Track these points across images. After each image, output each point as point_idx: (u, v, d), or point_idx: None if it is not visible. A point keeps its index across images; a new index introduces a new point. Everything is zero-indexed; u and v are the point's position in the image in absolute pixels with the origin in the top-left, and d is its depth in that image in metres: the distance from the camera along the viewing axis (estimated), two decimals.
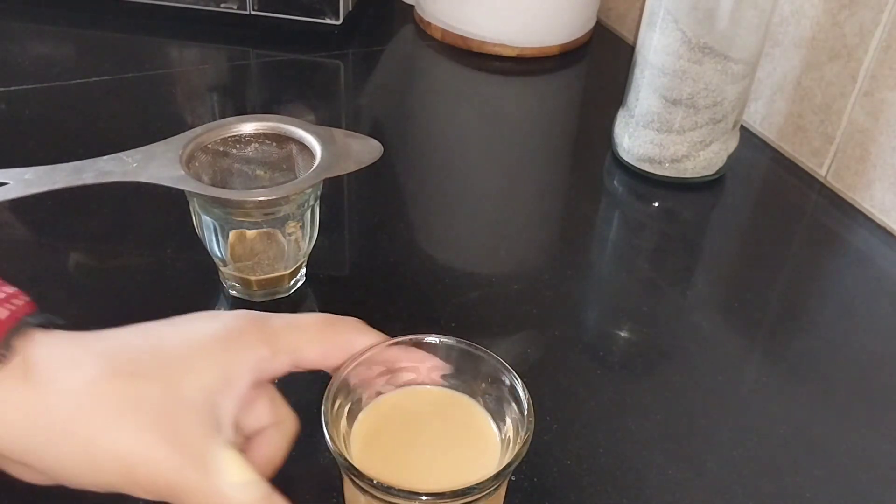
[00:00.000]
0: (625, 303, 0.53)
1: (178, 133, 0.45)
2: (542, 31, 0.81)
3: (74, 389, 0.27)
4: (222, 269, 0.48)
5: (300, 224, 0.46)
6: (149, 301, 0.48)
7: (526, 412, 0.32)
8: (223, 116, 0.48)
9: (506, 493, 0.35)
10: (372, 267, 0.54)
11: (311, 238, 0.48)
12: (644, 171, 0.63)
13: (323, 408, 0.31)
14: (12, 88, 0.69)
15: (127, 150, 0.44)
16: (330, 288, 0.51)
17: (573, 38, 0.84)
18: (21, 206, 0.56)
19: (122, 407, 0.28)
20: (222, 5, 0.80)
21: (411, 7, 0.89)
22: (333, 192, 0.61)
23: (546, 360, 0.47)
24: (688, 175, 0.63)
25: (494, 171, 0.66)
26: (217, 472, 0.28)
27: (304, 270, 0.50)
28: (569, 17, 0.82)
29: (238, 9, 0.80)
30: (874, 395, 0.47)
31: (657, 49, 0.59)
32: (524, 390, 0.33)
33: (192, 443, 0.28)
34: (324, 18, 0.80)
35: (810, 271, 0.57)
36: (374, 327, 0.35)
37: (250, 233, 0.47)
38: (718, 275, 0.57)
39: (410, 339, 0.34)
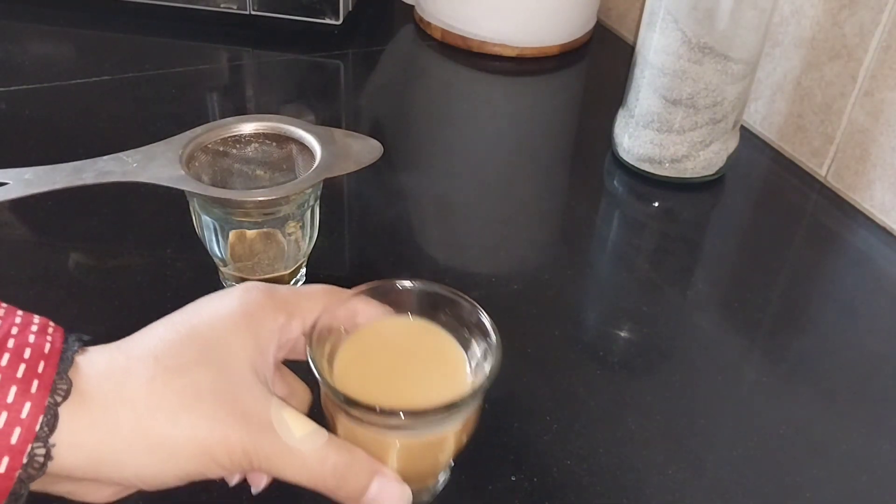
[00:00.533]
0: (625, 303, 0.53)
1: (178, 133, 0.45)
2: (542, 31, 0.81)
3: (135, 397, 0.29)
4: (222, 269, 0.48)
5: (300, 224, 0.46)
6: (149, 301, 0.48)
7: (494, 340, 0.34)
8: (223, 116, 0.48)
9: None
10: (372, 267, 0.54)
11: (311, 238, 0.48)
12: (644, 171, 0.63)
13: (308, 352, 0.33)
14: (12, 88, 0.69)
15: (127, 150, 0.44)
16: None
17: (573, 38, 0.84)
18: (21, 206, 0.56)
19: (184, 399, 0.29)
20: (222, 5, 0.80)
21: (411, 7, 0.89)
22: (333, 192, 0.61)
23: (546, 360, 0.47)
24: (688, 175, 0.63)
25: (494, 171, 0.66)
26: (284, 430, 0.30)
27: (304, 270, 0.50)
28: (569, 17, 0.82)
29: (238, 9, 0.80)
30: (874, 395, 0.47)
31: (657, 49, 0.59)
32: (490, 322, 0.35)
33: (256, 412, 0.30)
34: (324, 18, 0.80)
35: (810, 271, 0.57)
36: None
37: (250, 233, 0.47)
38: (718, 275, 0.57)
39: (377, 287, 0.36)
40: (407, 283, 0.37)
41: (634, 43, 0.63)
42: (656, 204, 0.63)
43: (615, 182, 0.65)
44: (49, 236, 0.54)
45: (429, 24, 0.85)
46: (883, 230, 0.60)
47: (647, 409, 0.44)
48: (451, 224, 0.60)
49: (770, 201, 0.65)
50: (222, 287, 0.49)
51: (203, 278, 0.50)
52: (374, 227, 0.58)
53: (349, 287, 0.36)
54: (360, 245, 0.56)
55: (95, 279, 0.51)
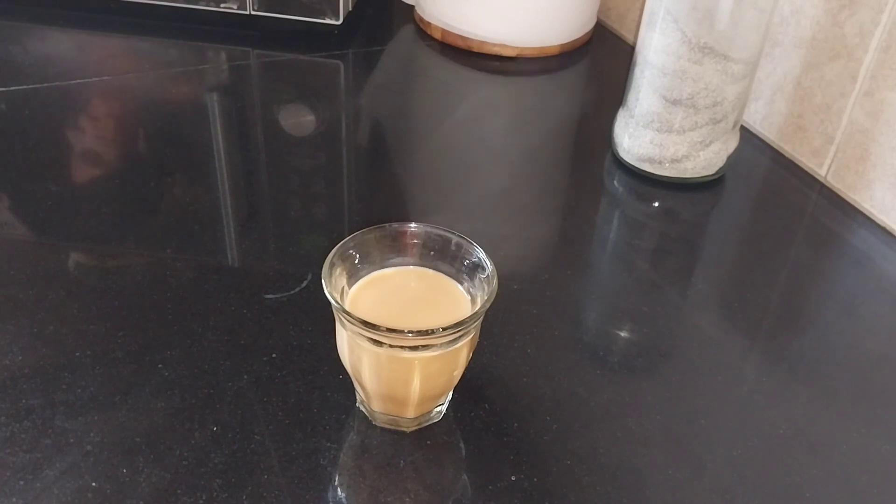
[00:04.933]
0: (625, 303, 0.53)
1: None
2: (542, 31, 0.81)
3: None
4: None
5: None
6: (149, 301, 0.48)
7: (490, 271, 0.40)
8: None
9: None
10: None
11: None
12: (644, 171, 0.63)
13: (326, 288, 0.37)
14: (12, 88, 0.69)
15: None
16: None
17: (573, 38, 0.84)
18: (21, 206, 0.56)
19: None
20: (222, 5, 0.80)
21: (411, 7, 0.89)
22: (334, 192, 0.61)
23: (546, 360, 0.47)
24: (688, 175, 0.63)
25: (494, 171, 0.66)
26: None
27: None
28: (569, 17, 0.82)
29: (238, 9, 0.80)
30: (874, 395, 0.47)
31: (657, 49, 0.59)
32: (487, 259, 0.40)
33: None
34: (324, 18, 0.80)
35: (810, 271, 0.57)
36: None
37: None
38: (718, 275, 0.57)
39: (378, 229, 0.42)
40: (409, 226, 0.42)
41: (634, 43, 0.63)
42: (656, 204, 0.63)
43: (615, 182, 0.65)
44: (49, 236, 0.54)
45: (429, 24, 0.85)
46: (883, 230, 0.60)
47: (647, 409, 0.44)
48: (450, 224, 0.59)
49: (770, 201, 0.65)
50: (228, 297, 0.49)
51: (203, 278, 0.50)
52: (373, 226, 0.57)
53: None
54: None
55: (95, 279, 0.51)
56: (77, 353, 0.44)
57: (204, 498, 0.37)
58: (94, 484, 0.38)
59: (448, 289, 0.42)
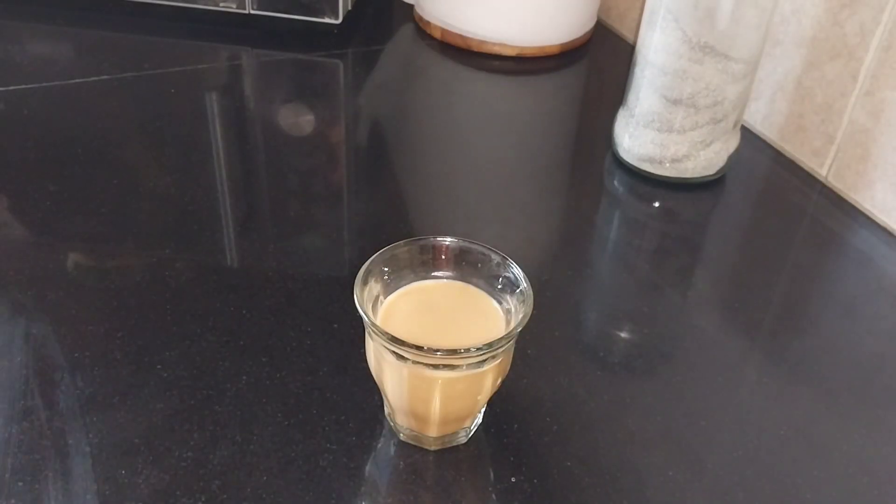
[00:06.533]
0: (625, 303, 0.53)
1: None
2: (542, 30, 0.81)
3: None
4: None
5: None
6: (148, 301, 0.48)
7: (525, 291, 0.38)
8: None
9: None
10: None
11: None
12: (644, 171, 0.63)
13: (356, 298, 0.36)
14: (12, 88, 0.69)
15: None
16: (329, 289, 0.51)
17: (573, 38, 0.84)
18: (21, 206, 0.56)
19: None
20: (221, 4, 0.80)
21: (411, 6, 0.89)
22: (333, 192, 0.61)
23: (546, 360, 0.47)
24: (688, 175, 0.63)
25: (494, 171, 0.66)
26: None
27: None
28: (569, 17, 0.82)
29: (237, 8, 0.80)
30: (874, 396, 0.47)
31: (657, 48, 0.59)
32: (524, 277, 0.39)
33: None
34: (323, 18, 0.80)
35: (811, 272, 0.57)
36: None
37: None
38: (718, 275, 0.56)
39: (415, 241, 0.41)
40: (444, 240, 0.41)
41: (635, 42, 0.63)
42: (656, 204, 0.63)
43: (615, 182, 0.65)
44: (49, 236, 0.54)
45: (428, 23, 0.84)
46: (884, 230, 0.60)
47: (647, 410, 0.44)
48: (450, 224, 0.59)
49: (771, 201, 0.65)
50: (227, 298, 0.49)
51: (202, 279, 0.50)
52: (374, 227, 0.57)
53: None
54: (360, 245, 0.56)
55: (95, 279, 0.51)
56: (76, 354, 0.44)
57: (203, 499, 0.37)
58: (93, 485, 0.37)
59: (485, 308, 0.40)
